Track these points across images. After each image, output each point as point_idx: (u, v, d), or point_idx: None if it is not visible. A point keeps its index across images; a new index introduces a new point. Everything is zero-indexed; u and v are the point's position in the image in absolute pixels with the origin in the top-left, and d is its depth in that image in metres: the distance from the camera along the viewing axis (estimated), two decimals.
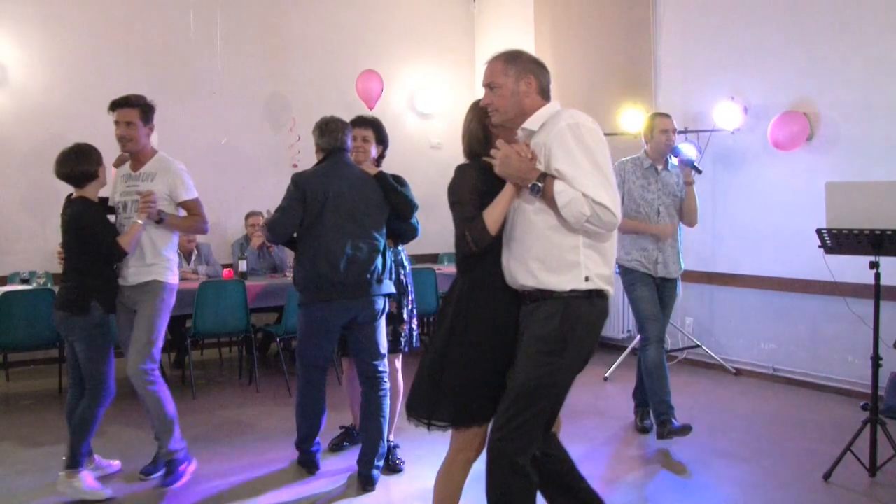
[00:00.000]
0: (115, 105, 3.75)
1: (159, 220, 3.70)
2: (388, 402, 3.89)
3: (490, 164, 2.54)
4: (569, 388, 2.53)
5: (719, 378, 6.08)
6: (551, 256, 2.46)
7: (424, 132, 8.48)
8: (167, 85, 7.10)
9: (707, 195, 6.19)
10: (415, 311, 4.21)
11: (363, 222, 3.76)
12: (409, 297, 4.17)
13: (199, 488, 3.80)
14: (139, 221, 3.67)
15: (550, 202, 2.42)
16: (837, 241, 3.75)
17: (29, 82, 6.67)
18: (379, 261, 3.81)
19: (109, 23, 6.96)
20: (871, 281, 3.75)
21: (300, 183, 3.73)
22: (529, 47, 7.85)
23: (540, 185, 2.41)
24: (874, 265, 3.70)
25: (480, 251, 2.53)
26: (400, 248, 4.16)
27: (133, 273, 3.75)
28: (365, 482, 3.78)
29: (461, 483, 2.72)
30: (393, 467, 4.01)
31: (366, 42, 8.18)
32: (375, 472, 3.82)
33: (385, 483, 3.86)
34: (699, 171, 4.57)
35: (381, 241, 3.85)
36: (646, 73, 6.73)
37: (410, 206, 3.90)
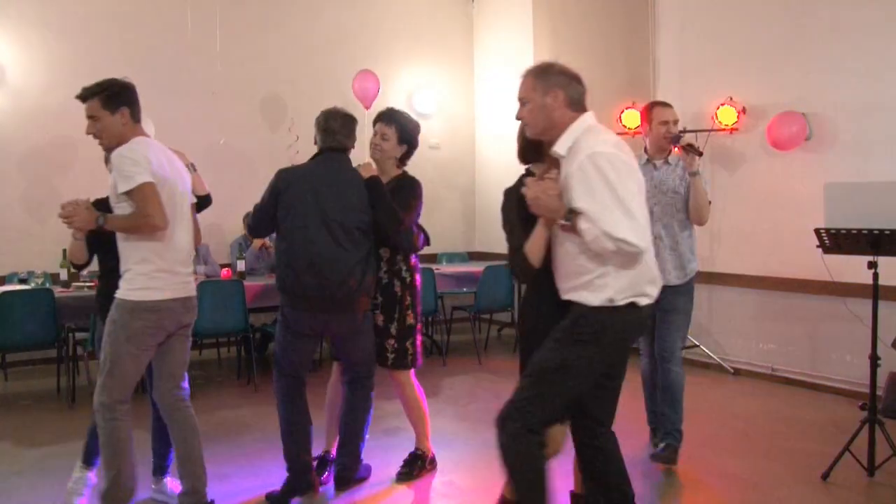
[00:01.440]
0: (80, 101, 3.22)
1: (97, 226, 3.13)
2: (364, 403, 3.82)
3: None
4: (578, 387, 2.61)
5: (718, 378, 6.08)
6: (580, 278, 2.58)
7: (423, 132, 8.38)
8: (165, 85, 7.09)
9: None
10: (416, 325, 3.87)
11: (337, 230, 3.49)
12: (403, 310, 3.82)
13: None
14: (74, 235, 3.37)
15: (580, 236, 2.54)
16: (836, 240, 3.75)
17: (27, 82, 6.67)
18: (368, 271, 3.58)
19: (107, 23, 6.95)
20: (870, 281, 3.76)
21: (280, 180, 3.55)
22: (528, 47, 7.86)
23: (567, 223, 2.53)
24: (872, 265, 3.70)
25: (527, 280, 2.74)
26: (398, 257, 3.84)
27: None
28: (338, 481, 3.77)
29: None
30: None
31: (364, 42, 8.17)
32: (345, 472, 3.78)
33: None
34: (699, 154, 3.98)
35: (359, 251, 3.54)
36: (644, 73, 6.73)
37: (390, 221, 3.59)
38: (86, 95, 3.17)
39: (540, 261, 2.65)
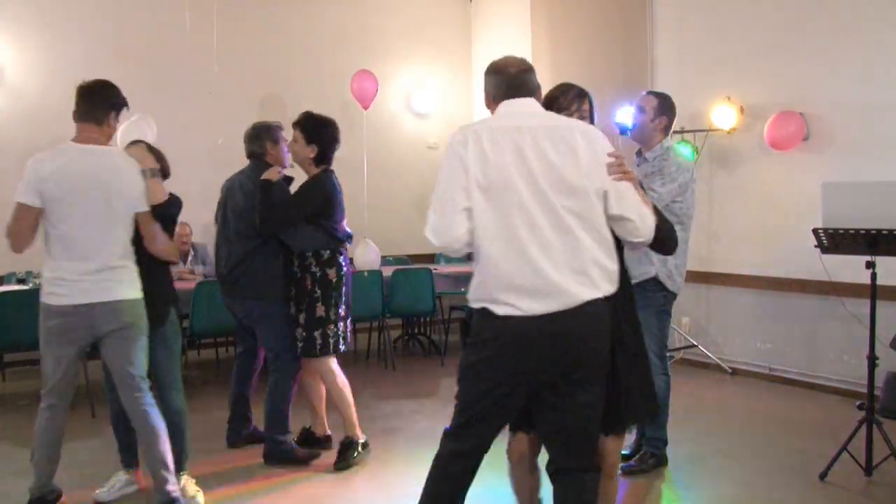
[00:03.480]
0: None
1: None
2: (273, 388, 4.14)
3: None
4: (474, 396, 2.39)
5: (715, 378, 6.09)
6: None
7: (421, 132, 8.46)
8: (164, 85, 7.09)
9: (704, 195, 6.20)
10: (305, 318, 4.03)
11: (230, 228, 4.11)
12: (312, 302, 4.01)
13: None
14: None
15: None
16: (833, 240, 3.76)
17: (26, 82, 6.66)
18: (253, 264, 4.02)
19: (106, 23, 6.95)
20: (867, 280, 3.76)
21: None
22: (526, 47, 7.85)
23: None
24: (870, 265, 3.71)
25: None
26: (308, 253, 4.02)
27: None
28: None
29: None
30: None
31: (363, 42, 8.17)
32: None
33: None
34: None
35: (245, 246, 4.03)
36: (642, 74, 6.73)
37: (259, 222, 3.94)
38: None
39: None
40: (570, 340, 2.30)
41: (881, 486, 3.74)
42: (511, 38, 8.19)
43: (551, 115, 2.53)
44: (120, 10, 7.02)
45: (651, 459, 3.95)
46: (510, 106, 2.48)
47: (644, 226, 2.42)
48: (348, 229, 4.15)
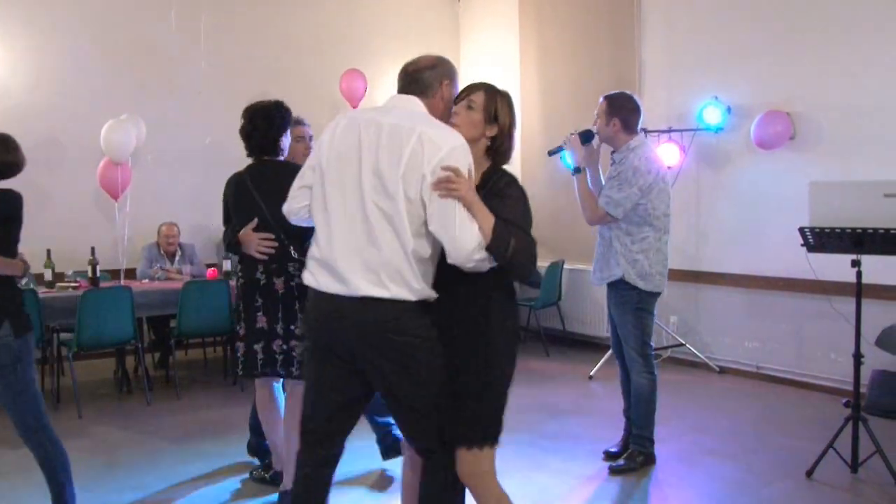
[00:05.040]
0: None
1: None
2: None
3: None
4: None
5: (704, 376, 6.11)
6: None
7: None
8: (151, 84, 7.06)
9: (691, 194, 6.23)
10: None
11: None
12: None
13: (184, 490, 3.79)
14: None
15: None
16: (820, 239, 3.78)
17: (12, 82, 6.60)
18: None
19: (92, 22, 6.90)
20: (853, 279, 3.79)
21: None
22: (514, 47, 7.87)
23: None
24: (856, 263, 3.73)
25: None
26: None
27: None
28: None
29: None
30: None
31: (351, 41, 8.16)
32: None
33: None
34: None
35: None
36: (630, 73, 6.75)
37: None
38: None
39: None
40: (346, 327, 2.33)
41: (867, 483, 3.76)
42: (499, 37, 8.20)
43: (416, 115, 2.43)
44: (107, 10, 6.97)
45: (639, 458, 3.97)
46: (390, 100, 2.54)
47: (455, 249, 2.27)
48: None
